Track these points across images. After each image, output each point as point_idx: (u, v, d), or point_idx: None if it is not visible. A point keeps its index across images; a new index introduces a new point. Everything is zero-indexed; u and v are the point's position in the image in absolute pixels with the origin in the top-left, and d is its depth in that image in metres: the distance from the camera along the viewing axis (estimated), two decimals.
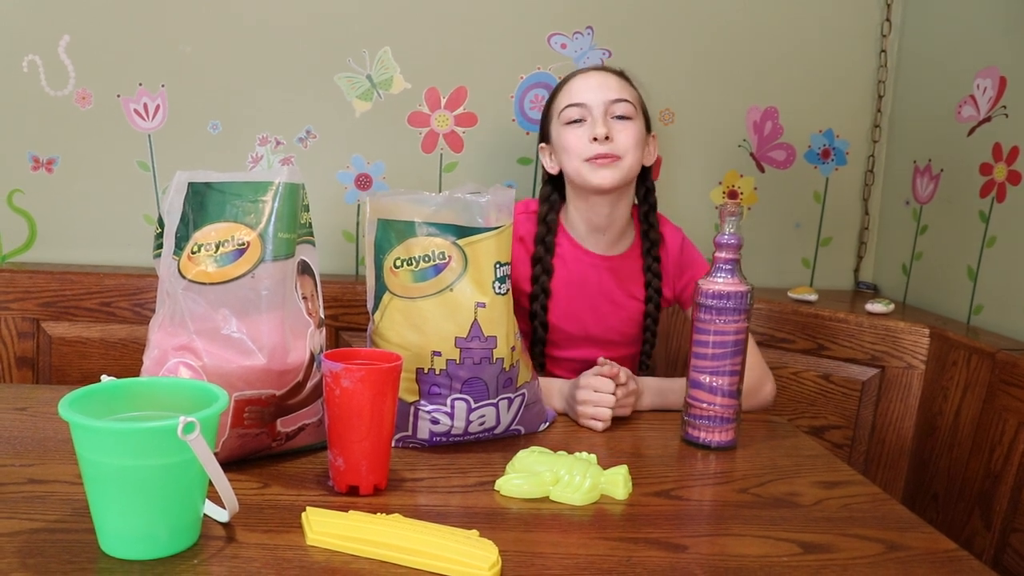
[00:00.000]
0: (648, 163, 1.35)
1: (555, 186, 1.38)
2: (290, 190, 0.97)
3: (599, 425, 1.16)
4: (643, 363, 1.42)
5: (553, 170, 1.36)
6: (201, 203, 0.95)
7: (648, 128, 1.34)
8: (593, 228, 1.35)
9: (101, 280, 1.58)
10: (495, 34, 1.71)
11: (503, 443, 1.09)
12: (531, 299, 1.33)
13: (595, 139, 1.26)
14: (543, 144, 1.38)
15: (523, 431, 1.13)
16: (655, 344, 1.41)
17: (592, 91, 1.30)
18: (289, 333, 0.95)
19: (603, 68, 1.35)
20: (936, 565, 0.82)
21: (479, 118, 1.72)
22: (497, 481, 0.94)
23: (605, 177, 1.27)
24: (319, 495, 0.90)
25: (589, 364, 1.23)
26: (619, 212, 1.34)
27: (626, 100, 1.30)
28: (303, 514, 0.83)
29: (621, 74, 1.34)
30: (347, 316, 1.61)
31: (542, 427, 1.16)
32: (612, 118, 1.29)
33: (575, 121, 1.30)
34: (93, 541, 0.76)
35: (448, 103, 1.71)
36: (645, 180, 1.37)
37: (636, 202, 1.39)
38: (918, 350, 1.47)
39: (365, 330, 1.10)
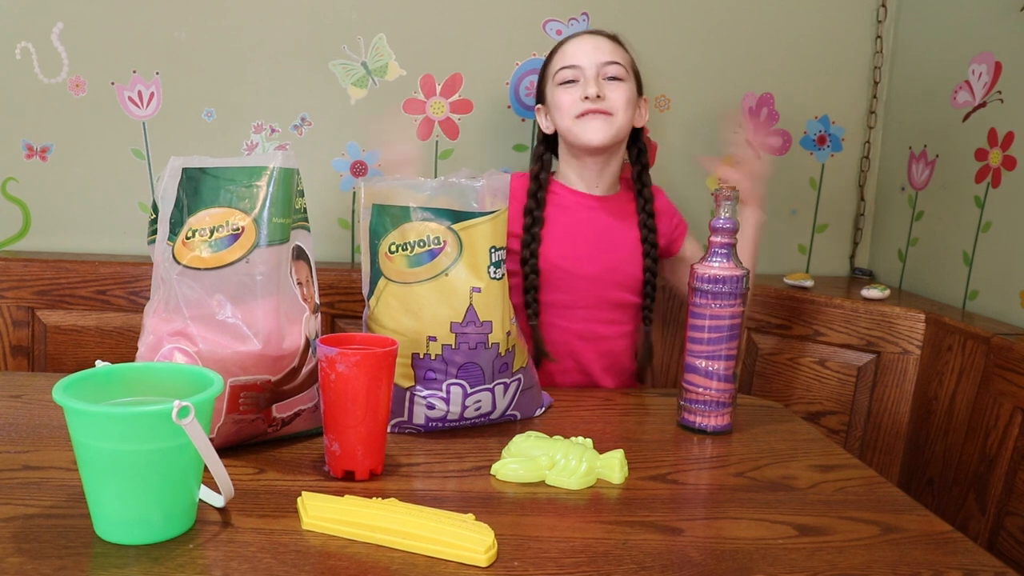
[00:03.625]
0: (639, 124, 1.41)
1: (548, 146, 1.44)
2: (284, 175, 0.97)
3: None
4: (646, 318, 1.43)
5: (548, 130, 1.43)
6: (195, 188, 0.94)
7: (640, 91, 1.40)
8: (586, 183, 1.41)
9: (96, 268, 1.57)
10: (490, 20, 1.70)
11: (499, 428, 1.09)
12: (523, 245, 1.37)
13: (587, 98, 1.32)
14: (539, 105, 1.44)
15: (519, 416, 1.13)
16: (654, 297, 1.43)
17: (586, 54, 1.36)
18: (284, 318, 0.95)
19: (597, 32, 1.41)
20: (931, 547, 0.82)
21: (475, 105, 1.71)
22: (493, 466, 0.95)
23: (595, 131, 1.33)
24: (315, 480, 0.90)
25: (590, 309, 1.35)
26: (610, 170, 1.41)
27: (618, 63, 1.36)
28: (299, 499, 0.83)
29: (614, 38, 1.40)
30: (343, 304, 1.60)
31: (538, 412, 1.16)
32: (604, 79, 1.35)
33: (568, 82, 1.36)
34: (88, 526, 0.76)
35: (443, 90, 1.71)
36: (637, 141, 1.43)
37: (628, 161, 1.44)
38: (914, 335, 1.47)
39: (361, 318, 1.09)
